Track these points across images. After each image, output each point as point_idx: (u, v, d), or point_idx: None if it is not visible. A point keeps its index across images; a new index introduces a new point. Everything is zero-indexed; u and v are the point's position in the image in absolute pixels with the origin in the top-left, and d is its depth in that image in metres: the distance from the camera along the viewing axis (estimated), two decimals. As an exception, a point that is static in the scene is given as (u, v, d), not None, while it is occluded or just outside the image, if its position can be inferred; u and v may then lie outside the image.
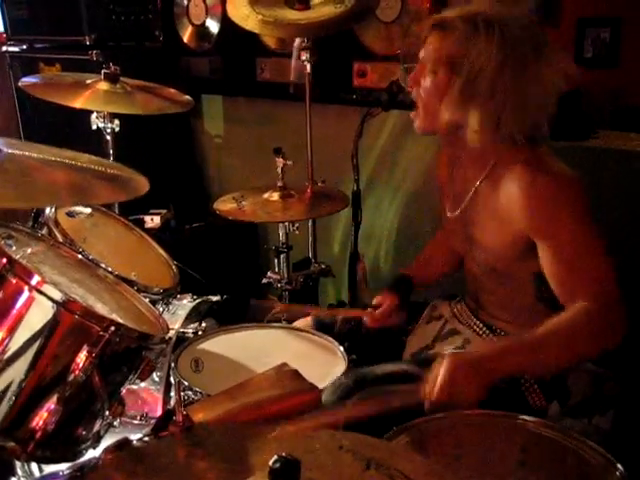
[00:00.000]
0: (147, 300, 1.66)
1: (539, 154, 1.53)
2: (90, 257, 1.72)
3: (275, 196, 2.28)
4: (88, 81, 2.28)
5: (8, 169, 1.21)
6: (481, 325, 1.68)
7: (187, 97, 2.44)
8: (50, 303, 1.25)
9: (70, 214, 1.94)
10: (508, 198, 1.50)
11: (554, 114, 1.52)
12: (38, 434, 1.26)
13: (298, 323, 1.98)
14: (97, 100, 2.25)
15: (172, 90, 2.44)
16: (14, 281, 1.25)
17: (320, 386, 1.25)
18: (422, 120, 1.61)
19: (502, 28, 1.45)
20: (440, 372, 1.34)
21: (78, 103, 2.19)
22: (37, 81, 2.40)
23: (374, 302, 1.86)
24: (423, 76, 1.56)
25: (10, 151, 1.26)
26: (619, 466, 1.14)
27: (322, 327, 1.91)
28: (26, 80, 2.33)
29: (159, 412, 1.81)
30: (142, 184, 1.36)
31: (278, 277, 2.53)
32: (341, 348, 1.66)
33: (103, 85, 2.26)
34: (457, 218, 1.69)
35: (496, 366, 1.38)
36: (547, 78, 1.48)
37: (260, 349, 1.69)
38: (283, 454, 0.81)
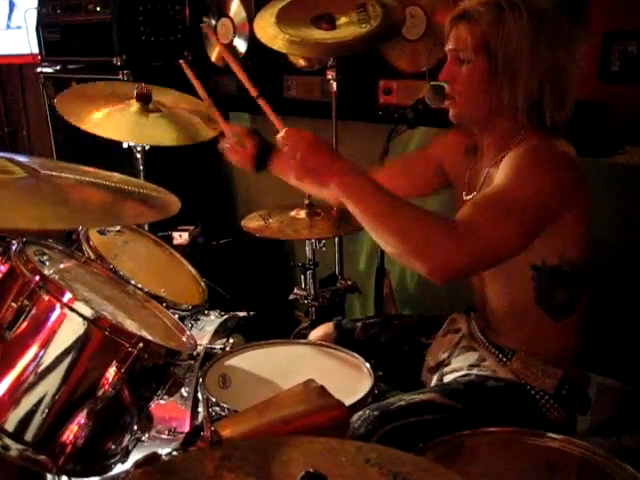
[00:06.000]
0: (176, 316, 1.68)
1: (550, 138, 1.51)
2: (120, 274, 1.76)
3: (302, 214, 2.29)
4: (120, 105, 2.29)
5: (44, 190, 1.25)
6: (489, 345, 1.67)
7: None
8: (81, 320, 1.28)
9: (101, 231, 1.98)
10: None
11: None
12: (69, 448, 1.29)
13: (319, 330, 1.99)
14: (130, 125, 2.24)
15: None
16: (47, 298, 1.28)
17: (347, 402, 1.26)
18: (462, 108, 1.58)
19: (528, 4, 1.45)
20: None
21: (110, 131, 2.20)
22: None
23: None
24: (457, 67, 1.55)
25: (47, 172, 1.30)
26: (648, 486, 1.13)
27: (343, 334, 1.92)
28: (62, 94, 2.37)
29: (187, 427, 1.83)
30: (173, 204, 1.38)
31: (305, 293, 2.54)
32: (367, 365, 1.67)
33: (135, 106, 2.25)
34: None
35: (341, 176, 1.38)
36: (578, 54, 1.48)
37: (287, 365, 1.70)
38: (311, 470, 0.82)
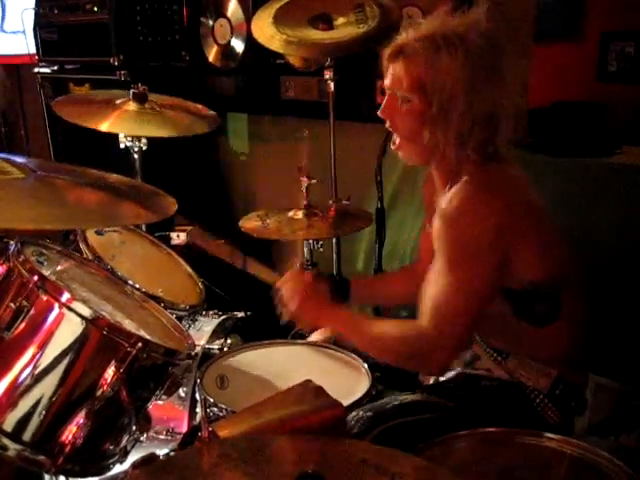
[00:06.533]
0: (174, 316, 1.68)
1: (488, 169, 1.50)
2: (118, 274, 1.76)
3: (299, 214, 2.29)
4: (117, 101, 2.33)
5: (42, 191, 1.25)
6: (484, 345, 1.66)
7: (213, 112, 2.47)
8: (79, 319, 1.28)
9: (99, 232, 1.98)
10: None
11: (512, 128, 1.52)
12: (67, 448, 1.29)
13: (318, 333, 1.99)
14: (126, 121, 2.29)
15: (199, 106, 2.48)
16: (45, 298, 1.28)
17: (344, 403, 1.26)
18: (407, 150, 1.58)
19: (463, 42, 1.43)
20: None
21: (107, 125, 2.24)
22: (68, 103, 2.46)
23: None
24: (396, 106, 1.54)
25: (44, 173, 1.30)
26: (645, 485, 1.13)
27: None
28: (58, 99, 2.39)
29: (185, 428, 1.83)
30: (170, 204, 1.38)
31: (302, 293, 2.53)
32: (365, 365, 1.67)
33: (132, 105, 2.29)
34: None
35: (332, 323, 1.69)
36: (515, 89, 1.50)
37: (284, 366, 1.70)
38: (308, 470, 0.82)
